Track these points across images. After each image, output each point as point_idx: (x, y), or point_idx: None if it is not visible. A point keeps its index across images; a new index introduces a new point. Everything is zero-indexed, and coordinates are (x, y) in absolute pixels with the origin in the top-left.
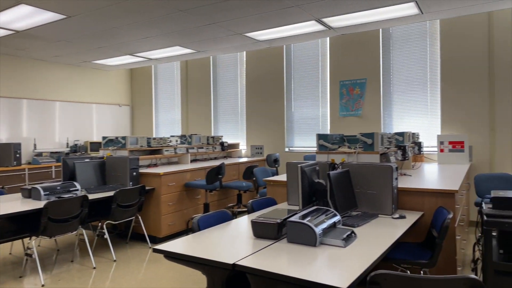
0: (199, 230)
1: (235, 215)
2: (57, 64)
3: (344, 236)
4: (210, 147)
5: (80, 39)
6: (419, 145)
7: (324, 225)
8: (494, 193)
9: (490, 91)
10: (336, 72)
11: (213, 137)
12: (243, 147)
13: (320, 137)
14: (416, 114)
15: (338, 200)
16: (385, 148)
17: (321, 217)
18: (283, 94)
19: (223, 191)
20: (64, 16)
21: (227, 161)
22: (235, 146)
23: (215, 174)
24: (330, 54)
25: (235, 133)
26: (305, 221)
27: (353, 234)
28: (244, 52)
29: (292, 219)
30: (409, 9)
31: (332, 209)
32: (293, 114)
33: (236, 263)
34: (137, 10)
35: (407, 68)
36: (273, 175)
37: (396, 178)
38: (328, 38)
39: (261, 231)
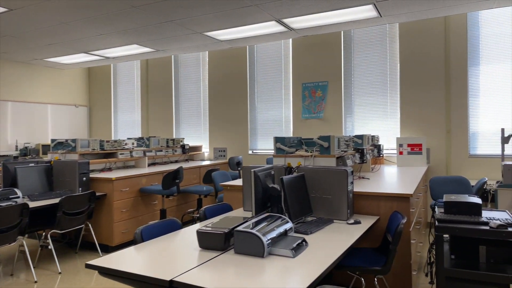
0: (142, 241)
1: (194, 221)
2: (6, 61)
3: (294, 245)
4: (170, 150)
5: (27, 34)
6: (378, 147)
7: (274, 234)
8: (446, 197)
9: (447, 94)
10: (299, 74)
11: (173, 140)
12: (206, 150)
13: (278, 140)
14: (376, 117)
15: (291, 206)
16: (342, 151)
17: (272, 225)
18: (246, 96)
19: (182, 196)
20: (5, 9)
21: (189, 165)
22: (197, 148)
23: (172, 178)
24: (293, 56)
25: (198, 136)
26: (253, 230)
27: (304, 242)
28: (207, 52)
29: (239, 228)
30: (368, 11)
31: (284, 216)
32: (256, 116)
33: (174, 279)
34: (86, 5)
35: (368, 70)
36: (234, 179)
37: (352, 182)
38: (290, 40)
39: (207, 241)
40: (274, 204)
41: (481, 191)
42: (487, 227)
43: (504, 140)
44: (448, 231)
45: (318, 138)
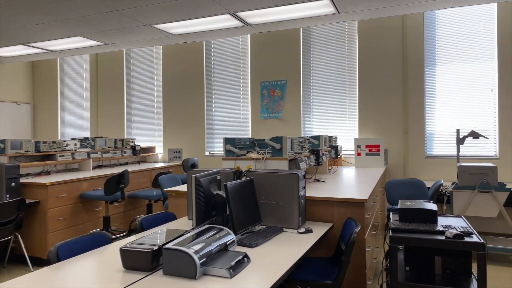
0: (58, 261)
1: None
2: None
3: (233, 263)
4: (118, 152)
5: None
6: (336, 149)
7: (210, 250)
8: (401, 204)
9: (404, 94)
10: (257, 72)
11: (122, 140)
12: (160, 151)
13: (227, 141)
14: (335, 117)
15: (236, 216)
16: (296, 153)
17: (210, 239)
18: (203, 94)
19: (130, 201)
20: None
21: (139, 167)
22: (150, 150)
23: (115, 183)
24: (251, 53)
25: (151, 136)
26: (184, 247)
27: (245, 258)
28: (161, 46)
29: (169, 245)
30: (326, 7)
31: (225, 228)
32: (214, 115)
33: None
34: None
35: (327, 70)
36: (185, 183)
37: (304, 187)
38: (248, 36)
39: (132, 261)
40: (220, 213)
41: (437, 193)
42: (443, 237)
43: (459, 141)
44: (403, 241)
45: (270, 139)
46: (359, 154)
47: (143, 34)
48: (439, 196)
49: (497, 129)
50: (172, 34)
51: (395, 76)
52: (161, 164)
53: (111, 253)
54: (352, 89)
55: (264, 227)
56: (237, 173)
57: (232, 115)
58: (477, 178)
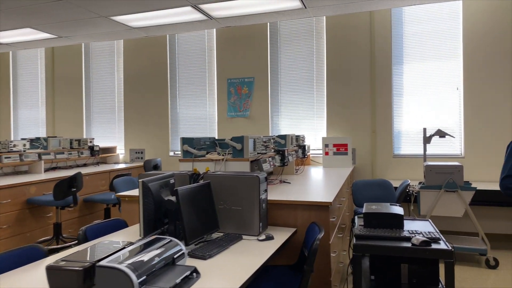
0: None
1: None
2: None
3: (178, 280)
4: (75, 152)
5: None
6: (303, 148)
7: (152, 265)
8: (366, 207)
9: (372, 92)
10: (224, 69)
11: (78, 140)
12: (121, 151)
13: (185, 141)
14: (304, 115)
15: (188, 224)
16: (259, 153)
17: (154, 252)
18: (167, 91)
19: (87, 205)
20: None
21: (98, 169)
22: (111, 150)
23: (67, 186)
24: (217, 49)
25: (112, 135)
26: (120, 264)
27: (194, 273)
28: (122, 41)
29: (103, 262)
30: (292, 1)
31: (174, 239)
32: (178, 113)
33: None
34: None
35: (295, 67)
36: None
37: (266, 190)
38: (214, 31)
39: (59, 282)
40: (172, 221)
41: (404, 194)
42: (409, 244)
43: (426, 140)
44: (367, 249)
45: (231, 139)
46: (326, 153)
47: (100, 26)
48: (406, 196)
49: (462, 128)
50: (132, 28)
51: (363, 74)
52: (122, 166)
53: (43, 271)
54: (320, 87)
55: (222, 234)
56: (194, 176)
57: (198, 114)
58: (443, 178)
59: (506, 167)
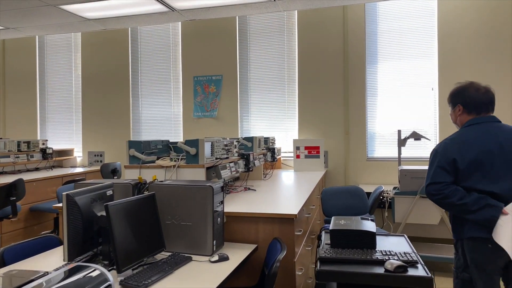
0: None
1: None
2: None
3: None
4: (23, 156)
5: None
6: (272, 151)
7: None
8: (334, 222)
9: (345, 93)
10: (190, 66)
11: (28, 142)
12: (78, 154)
13: (131, 145)
14: (275, 116)
15: (122, 246)
16: (218, 159)
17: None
18: (128, 90)
19: (34, 215)
20: None
21: (51, 173)
22: (67, 152)
23: (5, 195)
24: (183, 44)
25: (69, 137)
26: None
27: None
28: (79, 35)
29: None
30: None
31: (100, 267)
32: (141, 113)
33: None
34: None
35: (266, 65)
36: None
37: (222, 202)
38: (179, 25)
39: None
40: (106, 241)
41: (378, 202)
42: (382, 270)
43: (401, 142)
44: (333, 277)
45: (184, 143)
46: (298, 156)
47: (50, 17)
48: (380, 202)
49: (437, 130)
50: (87, 19)
51: (336, 73)
52: (79, 170)
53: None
54: (291, 86)
55: (168, 255)
56: (139, 186)
57: (162, 114)
58: (419, 183)
59: (429, 175)
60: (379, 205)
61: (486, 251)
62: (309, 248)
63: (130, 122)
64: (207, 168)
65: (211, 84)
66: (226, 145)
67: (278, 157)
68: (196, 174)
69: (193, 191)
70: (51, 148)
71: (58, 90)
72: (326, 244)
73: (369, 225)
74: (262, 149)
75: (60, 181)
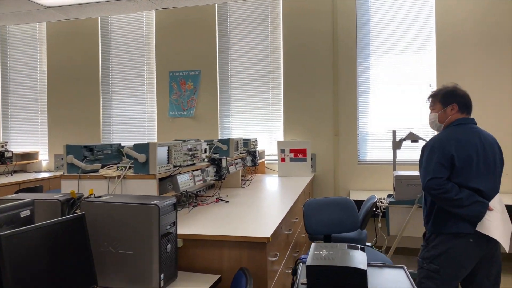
0: None
1: None
2: None
3: None
4: None
5: None
6: (253, 154)
7: None
8: (313, 253)
9: (335, 90)
10: (165, 60)
11: None
12: (44, 157)
13: (70, 150)
14: (258, 116)
15: (19, 283)
16: (177, 166)
17: None
18: (98, 87)
19: None
20: None
21: (8, 180)
22: (31, 156)
23: None
24: (157, 36)
25: (34, 138)
26: None
27: None
28: (44, 27)
29: None
30: None
31: None
32: (112, 112)
33: None
34: None
35: (248, 59)
36: None
37: (174, 223)
38: (153, 16)
39: None
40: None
41: (370, 215)
42: None
43: (396, 144)
44: None
45: (133, 147)
46: (282, 160)
47: (6, 5)
48: (373, 212)
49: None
50: (45, 6)
51: (324, 68)
52: (43, 174)
53: None
54: (276, 83)
55: None
56: (71, 203)
57: (135, 113)
58: (416, 190)
59: (428, 170)
60: (372, 215)
61: (467, 245)
62: (289, 271)
63: (100, 121)
64: (161, 179)
65: (188, 80)
66: (190, 150)
67: (261, 160)
68: (146, 187)
69: (134, 211)
70: (11, 151)
71: (21, 88)
72: (302, 284)
73: (359, 259)
74: (241, 153)
75: (18, 188)
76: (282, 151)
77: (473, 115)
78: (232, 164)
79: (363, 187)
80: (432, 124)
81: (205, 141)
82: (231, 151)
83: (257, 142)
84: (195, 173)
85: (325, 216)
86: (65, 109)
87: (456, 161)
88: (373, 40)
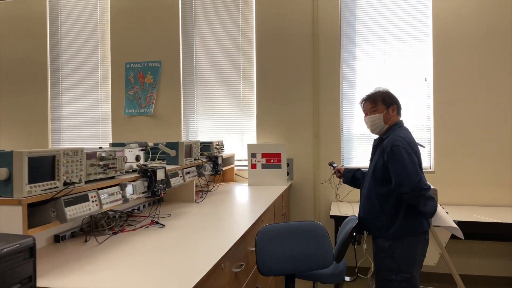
0: None
1: None
2: None
3: None
4: None
5: None
6: (215, 161)
7: None
8: None
9: (314, 84)
10: (121, 50)
11: None
12: None
13: None
14: (227, 115)
15: None
16: (69, 184)
17: None
18: (46, 82)
19: None
20: None
21: None
22: None
23: None
24: (112, 22)
25: None
26: None
27: None
28: None
29: None
30: None
31: None
32: (61, 110)
33: None
34: None
35: (215, 50)
36: None
37: (30, 278)
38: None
39: None
40: None
41: (350, 241)
42: None
43: None
44: None
45: None
46: (253, 166)
47: None
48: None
49: (432, 131)
50: None
51: (303, 60)
52: None
53: None
54: (248, 77)
55: None
56: None
57: (88, 110)
58: None
59: (413, 170)
60: (352, 241)
61: (425, 243)
62: None
63: (48, 120)
64: (39, 204)
65: (147, 72)
66: (102, 159)
67: (229, 167)
68: (7, 217)
69: None
70: None
71: None
72: None
73: None
74: (196, 159)
75: None
76: (252, 155)
77: (475, 109)
78: (179, 174)
79: (347, 198)
80: (375, 126)
81: (140, 144)
82: (180, 157)
83: (223, 145)
84: (107, 190)
85: (286, 249)
86: (8, 107)
87: (419, 160)
88: (360, 27)
